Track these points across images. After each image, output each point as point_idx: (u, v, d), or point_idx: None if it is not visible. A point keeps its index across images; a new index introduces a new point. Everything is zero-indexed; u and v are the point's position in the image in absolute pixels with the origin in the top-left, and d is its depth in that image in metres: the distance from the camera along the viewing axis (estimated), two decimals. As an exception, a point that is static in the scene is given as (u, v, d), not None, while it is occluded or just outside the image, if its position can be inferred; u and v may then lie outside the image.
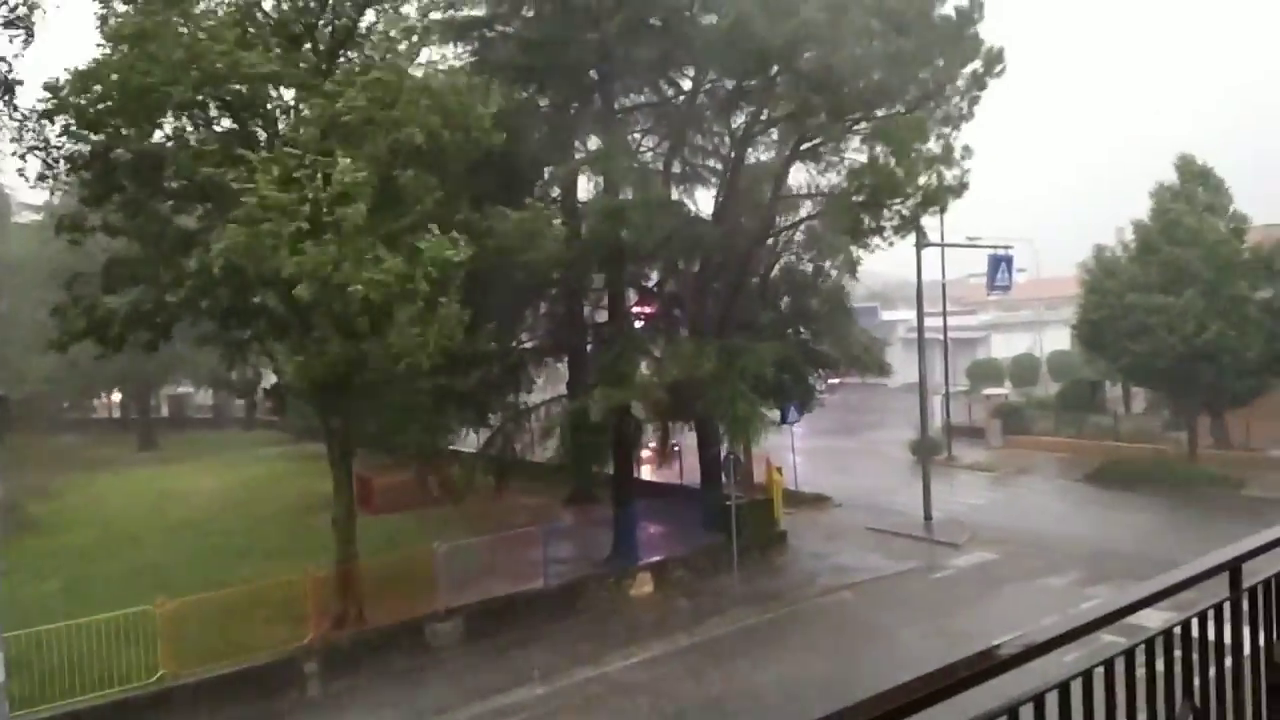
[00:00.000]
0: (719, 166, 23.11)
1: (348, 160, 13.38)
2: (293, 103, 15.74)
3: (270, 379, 18.99)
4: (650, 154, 22.76)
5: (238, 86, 14.63)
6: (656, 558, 20.36)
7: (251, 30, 14.82)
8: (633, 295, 23.10)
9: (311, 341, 14.66)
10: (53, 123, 14.54)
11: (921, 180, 17.99)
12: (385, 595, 16.65)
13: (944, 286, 33.04)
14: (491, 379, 20.74)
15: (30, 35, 12.91)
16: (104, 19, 14.29)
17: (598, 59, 19.57)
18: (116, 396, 50.75)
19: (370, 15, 16.00)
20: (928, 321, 27.46)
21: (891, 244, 20.11)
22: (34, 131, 14.49)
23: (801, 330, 24.33)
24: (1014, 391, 40.99)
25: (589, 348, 22.28)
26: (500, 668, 15.78)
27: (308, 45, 15.75)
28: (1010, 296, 40.62)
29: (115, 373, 39.97)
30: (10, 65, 12.66)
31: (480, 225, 15.91)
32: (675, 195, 23.17)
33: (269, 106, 15.71)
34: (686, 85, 21.08)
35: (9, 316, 36.32)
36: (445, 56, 18.19)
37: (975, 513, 25.44)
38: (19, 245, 38.09)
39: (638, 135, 22.61)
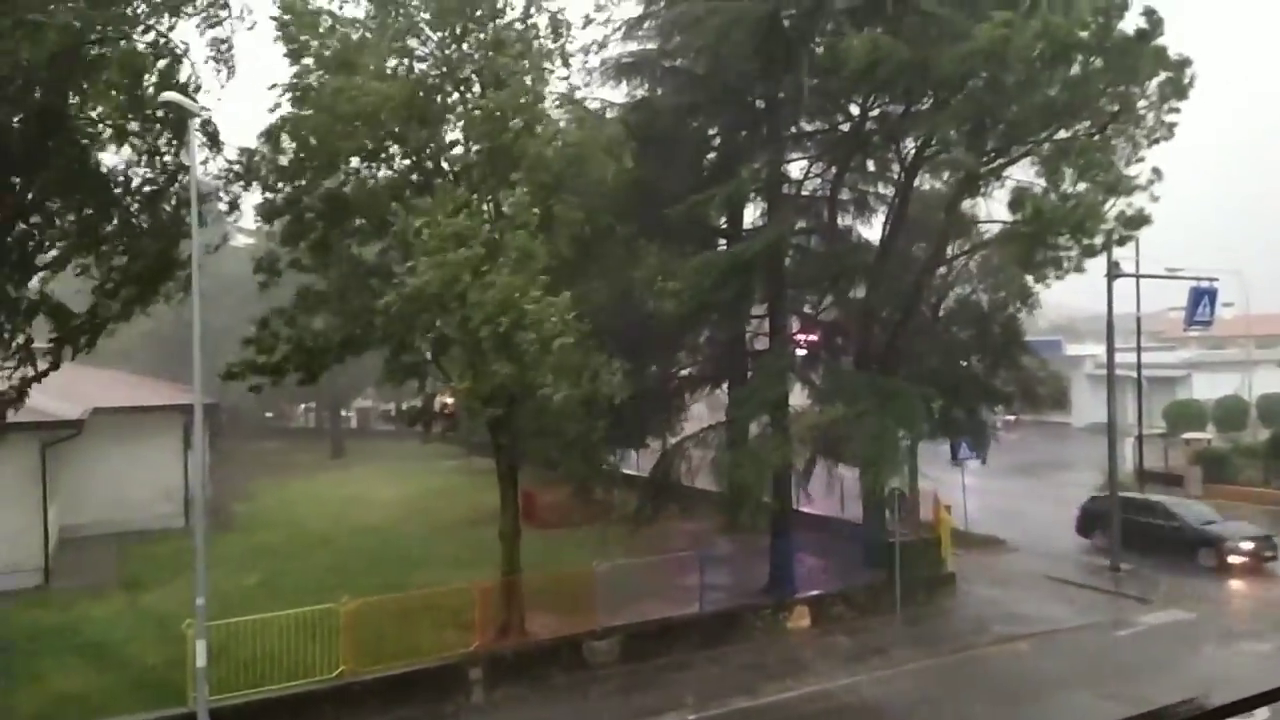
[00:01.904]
0: (888, 193, 22.61)
1: (518, 191, 14.17)
2: (461, 138, 16.78)
3: (446, 398, 20.09)
4: (818, 180, 22.57)
5: (411, 130, 15.77)
6: (814, 591, 19.91)
7: (418, 76, 15.86)
8: (795, 323, 22.84)
9: (482, 366, 15.44)
10: (247, 187, 16.13)
11: (1100, 209, 16.88)
12: (546, 609, 17.14)
13: (1139, 320, 30.74)
14: (649, 405, 21.00)
15: (231, 70, 14.16)
16: (295, 85, 15.67)
17: (763, 87, 19.64)
18: (310, 408, 55.14)
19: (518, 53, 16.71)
20: (1121, 358, 25.56)
21: (1062, 276, 18.83)
22: (234, 185, 16.04)
23: (973, 363, 23.29)
24: (1218, 436, 37.46)
25: (749, 375, 22.17)
26: (654, 690, 15.86)
27: (477, 88, 16.67)
28: (1216, 333, 37.30)
29: (312, 386, 43.58)
30: (212, 121, 13.97)
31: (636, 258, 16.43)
32: (842, 222, 22.87)
33: (439, 145, 16.77)
34: (855, 111, 20.78)
35: (223, 331, 40.16)
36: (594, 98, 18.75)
37: (1170, 567, 23.39)
38: (233, 267, 42.08)
39: (805, 162, 22.48)
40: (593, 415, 15.82)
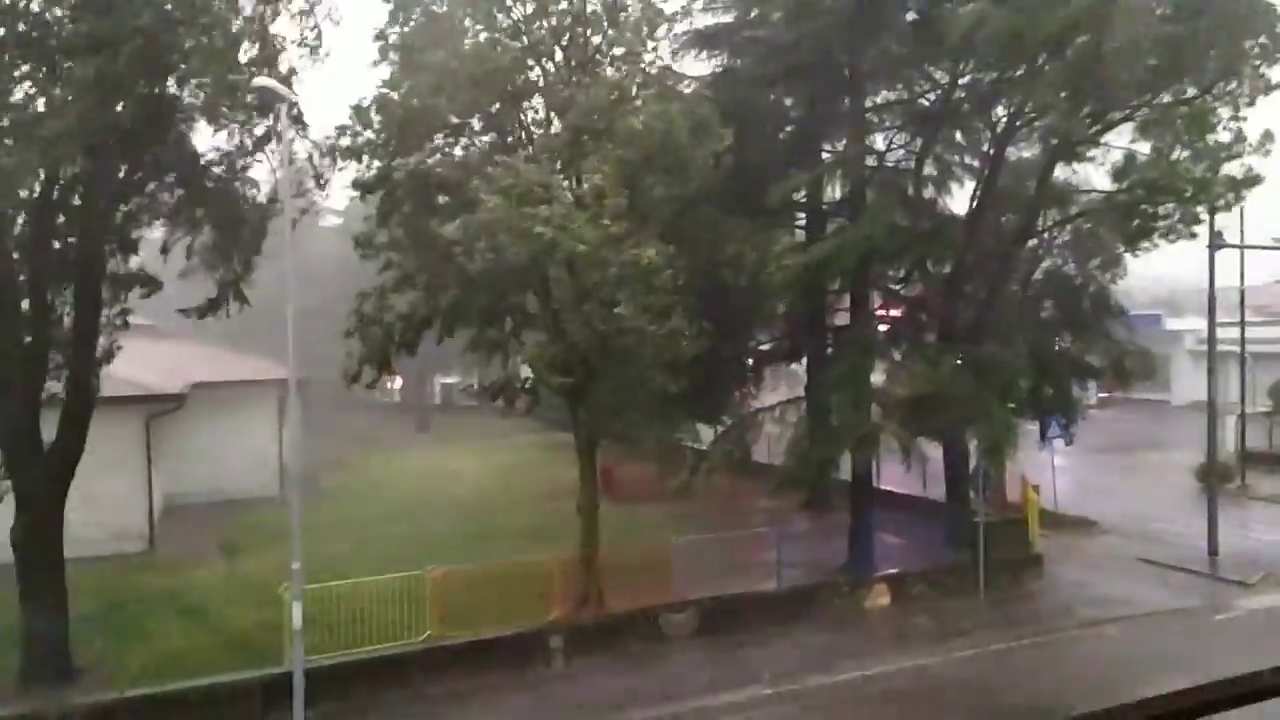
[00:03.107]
0: (976, 164, 21.91)
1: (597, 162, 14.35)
2: (543, 114, 16.90)
3: (525, 373, 20.42)
4: (902, 152, 22.01)
5: (496, 105, 15.88)
6: (894, 570, 19.66)
7: (508, 46, 15.98)
8: (877, 298, 22.41)
9: (557, 333, 15.71)
10: (337, 160, 16.50)
11: (1207, 174, 16.05)
12: (623, 582, 17.33)
13: (1242, 293, 29.24)
14: (726, 379, 20.95)
15: (315, 52, 14.45)
16: (384, 51, 15.95)
17: (848, 57, 19.19)
18: (398, 383, 56.72)
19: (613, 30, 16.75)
20: (1224, 333, 24.33)
21: (1159, 245, 18.03)
22: (325, 161, 16.41)
23: (1064, 337, 22.53)
24: (1330, 415, 35.39)
25: (829, 350, 21.90)
26: (730, 664, 15.95)
27: (560, 59, 16.76)
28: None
29: (396, 362, 44.84)
30: (297, 105, 14.26)
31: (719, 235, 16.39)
32: (928, 195, 22.27)
33: (525, 119, 16.91)
34: (943, 79, 20.15)
35: (317, 311, 41.54)
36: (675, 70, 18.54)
37: (1272, 550, 22.34)
38: (324, 247, 43.43)
39: (889, 133, 21.93)
40: (672, 376, 15.94)
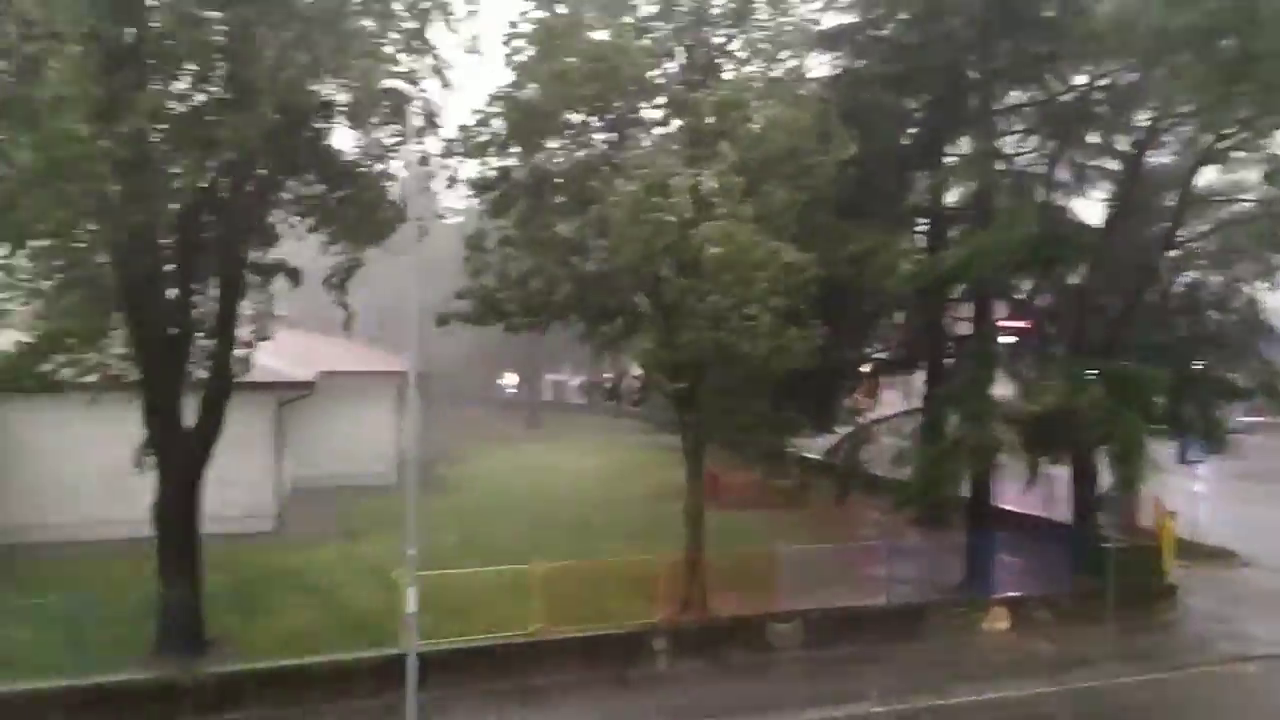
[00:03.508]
0: (1114, 169, 20.74)
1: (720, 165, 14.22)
2: (661, 116, 16.89)
3: (635, 372, 20.49)
4: (1034, 156, 21.05)
5: (617, 105, 15.96)
6: (1013, 593, 18.82)
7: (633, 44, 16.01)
8: (1001, 307, 21.49)
9: (668, 334, 15.70)
10: (463, 159, 16.84)
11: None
12: (728, 588, 17.17)
13: None
14: (838, 387, 20.51)
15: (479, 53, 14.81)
16: (509, 56, 16.22)
17: (977, 57, 18.50)
18: (510, 380, 58.09)
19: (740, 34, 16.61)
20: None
21: None
22: (454, 161, 16.78)
23: (1206, 355, 21.11)
24: None
25: (948, 362, 21.13)
26: (836, 679, 15.59)
27: (684, 61, 16.71)
28: None
29: (509, 358, 46.16)
30: (433, 104, 14.62)
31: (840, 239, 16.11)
32: (1060, 200, 21.26)
33: (643, 119, 16.95)
34: (1080, 80, 19.15)
35: (434, 305, 42.89)
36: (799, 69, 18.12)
37: None
38: (444, 243, 44.77)
39: (1018, 136, 21.00)
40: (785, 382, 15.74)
